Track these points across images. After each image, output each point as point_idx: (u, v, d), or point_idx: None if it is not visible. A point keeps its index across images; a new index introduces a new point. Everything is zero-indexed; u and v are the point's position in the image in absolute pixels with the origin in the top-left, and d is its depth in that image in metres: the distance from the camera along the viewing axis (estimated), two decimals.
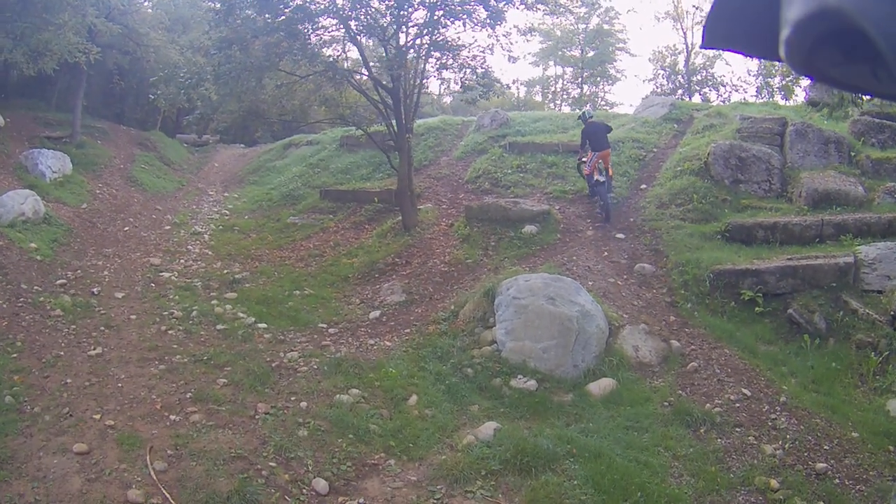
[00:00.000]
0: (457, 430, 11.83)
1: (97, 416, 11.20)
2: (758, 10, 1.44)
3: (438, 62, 21.74)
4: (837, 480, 10.32)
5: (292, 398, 12.25)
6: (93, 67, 28.79)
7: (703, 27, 1.62)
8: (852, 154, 21.49)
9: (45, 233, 19.97)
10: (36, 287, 16.54)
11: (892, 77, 1.20)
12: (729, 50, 1.71)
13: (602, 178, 20.62)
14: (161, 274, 18.86)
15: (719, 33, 1.60)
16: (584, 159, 21.65)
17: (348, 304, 17.88)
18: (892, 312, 14.02)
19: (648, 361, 13.96)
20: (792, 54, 1.34)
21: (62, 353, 13.63)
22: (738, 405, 12.21)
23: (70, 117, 30.77)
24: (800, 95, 34.39)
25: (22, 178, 23.33)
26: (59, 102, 33.67)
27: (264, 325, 15.85)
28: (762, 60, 31.53)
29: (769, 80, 47.82)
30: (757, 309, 15.28)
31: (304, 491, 9.83)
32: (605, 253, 18.27)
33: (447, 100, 59.34)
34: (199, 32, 30.85)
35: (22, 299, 15.74)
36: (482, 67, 21.69)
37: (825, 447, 11.02)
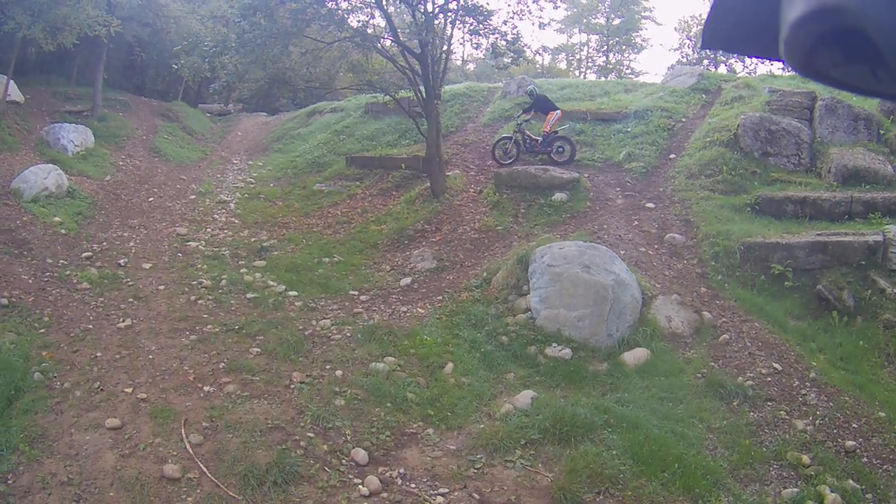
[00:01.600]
0: (494, 399, 11.78)
1: (129, 390, 11.10)
2: (758, 10, 1.44)
3: (469, 28, 21.34)
4: (865, 459, 10.37)
5: (327, 367, 12.10)
6: (112, 40, 28.54)
7: (703, 28, 1.62)
8: (881, 132, 21.09)
9: (69, 206, 19.88)
10: (62, 261, 16.47)
11: (892, 77, 1.24)
12: (729, 51, 1.76)
13: (558, 130, 23.11)
14: (188, 243, 18.74)
15: (719, 34, 1.59)
16: (521, 120, 23.77)
17: (378, 270, 17.73)
18: None
19: (681, 332, 13.84)
20: (792, 54, 1.35)
21: (91, 326, 13.56)
22: (769, 379, 12.15)
23: (90, 91, 30.61)
24: None
25: (44, 153, 23.22)
26: (79, 76, 33.54)
27: (295, 293, 15.71)
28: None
29: None
30: (786, 283, 15.09)
31: (344, 461, 9.76)
32: (636, 222, 18.02)
33: (471, 66, 59.21)
34: (220, 1, 30.55)
35: (48, 274, 15.68)
36: (512, 33, 21.35)
37: (854, 425, 11.04)
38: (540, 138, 22.85)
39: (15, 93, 26.02)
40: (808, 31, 1.25)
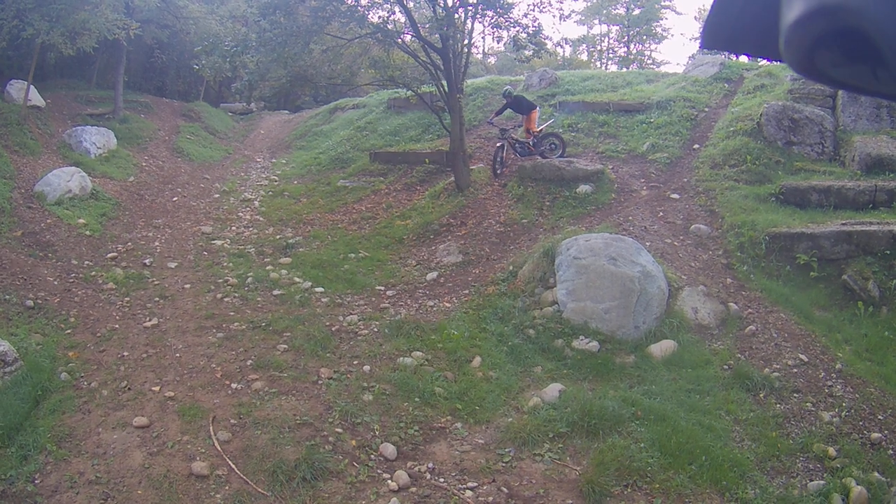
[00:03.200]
0: (522, 392, 11.76)
1: (156, 388, 11.14)
2: (758, 10, 1.45)
3: (490, 21, 21.27)
4: (891, 451, 10.33)
5: (355, 362, 12.10)
6: (132, 43, 28.70)
7: (703, 28, 1.60)
8: None
9: (93, 208, 19.93)
10: (87, 262, 16.53)
11: (892, 77, 1.24)
12: (730, 50, 1.80)
13: (543, 128, 22.86)
14: (213, 242, 18.77)
15: (719, 34, 1.58)
16: (506, 128, 23.26)
17: (404, 265, 17.68)
18: None
19: (707, 324, 13.74)
20: (792, 54, 1.35)
21: (117, 325, 13.61)
22: (795, 370, 12.09)
23: (111, 94, 30.65)
24: None
25: (66, 156, 23.22)
26: (100, 80, 33.59)
27: (321, 289, 15.70)
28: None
29: None
30: (812, 274, 14.96)
31: (373, 456, 9.78)
32: (661, 213, 17.85)
33: (492, 60, 59.11)
34: (239, 1, 30.57)
35: (73, 275, 15.75)
36: (533, 26, 21.23)
37: (879, 417, 10.99)
38: (531, 140, 22.58)
39: (36, 97, 25.99)
40: (808, 31, 1.26)
